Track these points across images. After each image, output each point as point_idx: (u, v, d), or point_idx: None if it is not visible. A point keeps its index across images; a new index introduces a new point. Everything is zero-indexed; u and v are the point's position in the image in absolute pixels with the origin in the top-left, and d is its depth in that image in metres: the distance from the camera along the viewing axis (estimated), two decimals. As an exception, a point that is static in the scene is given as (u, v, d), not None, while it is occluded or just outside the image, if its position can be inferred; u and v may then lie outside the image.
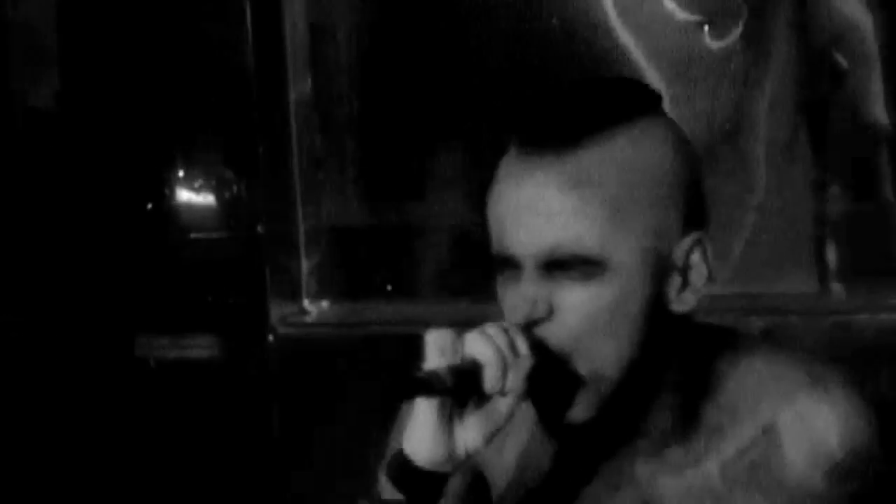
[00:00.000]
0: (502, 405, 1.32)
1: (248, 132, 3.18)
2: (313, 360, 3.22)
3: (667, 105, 1.44)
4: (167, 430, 3.06)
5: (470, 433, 1.32)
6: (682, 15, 2.95)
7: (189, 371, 3.17)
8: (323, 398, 3.04)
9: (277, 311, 3.29)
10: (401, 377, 1.30)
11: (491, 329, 1.33)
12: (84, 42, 3.24)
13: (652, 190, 1.34)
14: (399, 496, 1.35)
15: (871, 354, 2.75)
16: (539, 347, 1.34)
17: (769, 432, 1.36)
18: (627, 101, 1.37)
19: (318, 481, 2.89)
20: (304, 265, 3.31)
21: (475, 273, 1.51)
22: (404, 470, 1.34)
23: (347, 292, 3.32)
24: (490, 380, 1.29)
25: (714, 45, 3.00)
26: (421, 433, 1.33)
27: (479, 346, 1.30)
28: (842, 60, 2.99)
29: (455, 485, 1.47)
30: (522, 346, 1.30)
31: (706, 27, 3.03)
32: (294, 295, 3.35)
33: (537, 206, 1.31)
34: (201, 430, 3.07)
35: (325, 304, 3.35)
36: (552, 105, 1.39)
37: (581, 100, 1.38)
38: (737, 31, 2.97)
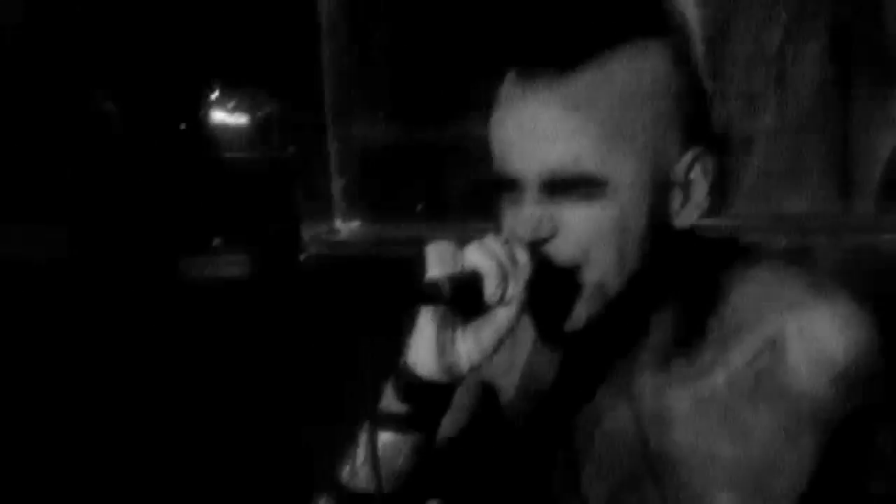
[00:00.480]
0: (503, 315, 1.32)
1: (282, 53, 3.19)
2: (344, 279, 3.24)
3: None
4: (202, 346, 3.09)
5: (472, 344, 1.32)
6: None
7: (222, 289, 3.22)
8: (352, 316, 3.06)
9: (309, 230, 3.33)
10: (401, 288, 1.29)
11: (491, 240, 1.33)
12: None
13: (651, 109, 1.34)
14: (403, 409, 1.35)
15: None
16: (543, 262, 1.34)
17: (774, 343, 1.36)
18: (624, 22, 1.36)
19: (347, 396, 2.90)
20: (336, 185, 3.33)
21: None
22: (408, 381, 1.34)
23: (378, 212, 3.33)
24: (490, 289, 1.30)
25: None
26: (423, 344, 1.33)
27: (479, 256, 1.30)
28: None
29: (463, 397, 1.48)
30: (522, 256, 1.31)
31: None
32: (326, 215, 3.39)
33: (537, 129, 1.31)
34: (234, 348, 3.10)
35: (356, 223, 3.37)
36: (549, 28, 1.39)
37: (578, 22, 1.37)
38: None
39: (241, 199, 3.24)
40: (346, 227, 3.33)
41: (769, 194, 2.86)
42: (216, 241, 3.22)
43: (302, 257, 3.27)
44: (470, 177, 3.18)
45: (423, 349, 1.34)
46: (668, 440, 1.42)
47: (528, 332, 1.47)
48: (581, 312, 1.36)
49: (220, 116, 3.29)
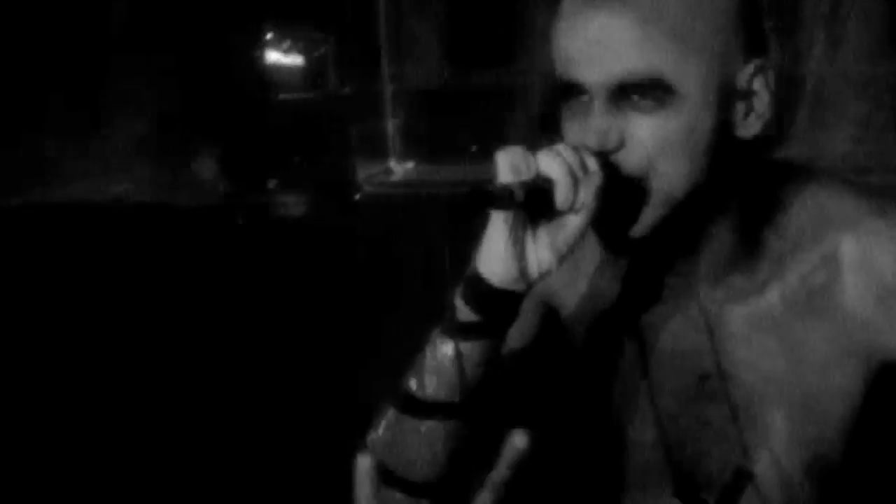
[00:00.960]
0: (574, 222, 1.32)
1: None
2: (399, 219, 3.26)
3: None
4: (263, 283, 3.12)
5: (542, 251, 1.32)
6: None
7: (280, 227, 3.26)
8: (406, 256, 3.08)
9: (364, 170, 3.34)
10: (474, 190, 1.27)
11: (562, 147, 1.33)
12: None
13: (714, 20, 1.34)
14: (474, 317, 1.35)
15: None
16: (611, 170, 1.34)
17: (830, 260, 1.37)
18: None
19: (402, 334, 2.92)
20: (390, 126, 3.34)
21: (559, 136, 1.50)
22: (479, 289, 1.33)
23: (433, 153, 3.34)
24: (561, 195, 1.29)
25: None
26: (495, 251, 1.33)
27: (551, 162, 1.30)
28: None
29: (527, 312, 1.48)
30: (593, 163, 1.30)
31: None
32: (380, 155, 3.40)
33: (607, 37, 1.31)
34: (294, 285, 3.12)
35: (410, 164, 3.38)
36: None
37: None
38: None
39: (297, 140, 3.27)
40: (401, 168, 3.35)
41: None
42: (272, 183, 3.25)
43: (357, 197, 3.29)
44: (525, 119, 3.20)
45: (494, 256, 1.33)
46: (725, 356, 1.43)
47: (590, 247, 1.47)
48: (646, 220, 1.36)
49: (274, 57, 3.30)
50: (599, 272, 1.55)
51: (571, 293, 1.56)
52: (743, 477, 1.42)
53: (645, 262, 1.48)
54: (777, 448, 1.42)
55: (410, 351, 1.46)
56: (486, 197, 1.25)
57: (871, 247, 1.35)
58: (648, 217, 1.37)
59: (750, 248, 1.42)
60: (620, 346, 1.53)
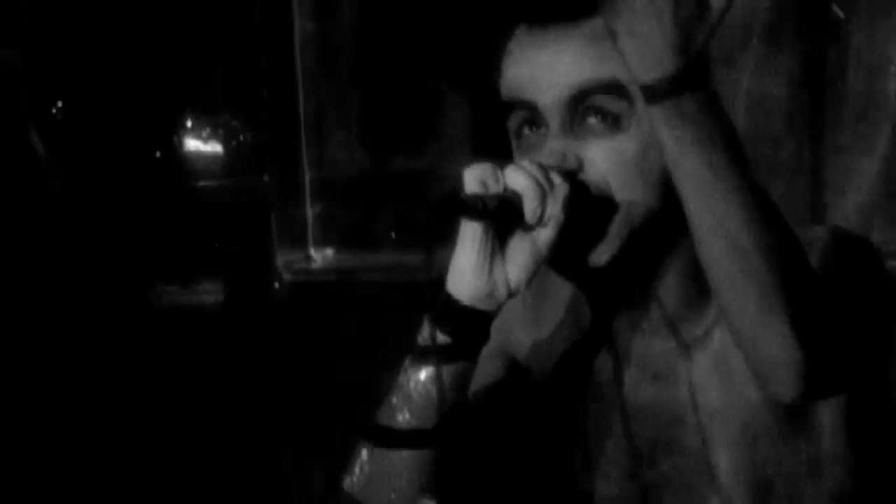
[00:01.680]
0: (543, 236, 1.31)
1: (255, 82, 3.22)
2: (319, 307, 3.26)
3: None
4: (177, 375, 3.11)
5: (512, 267, 1.32)
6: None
7: (197, 316, 3.23)
8: (327, 343, 3.10)
9: (283, 257, 3.35)
10: (447, 196, 1.28)
11: (527, 163, 1.33)
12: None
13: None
14: (445, 339, 1.33)
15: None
16: (575, 185, 1.33)
17: None
18: None
19: (323, 419, 2.94)
20: (310, 213, 3.35)
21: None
22: (449, 309, 1.33)
23: (352, 240, 3.35)
24: (530, 207, 1.29)
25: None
26: (464, 268, 1.32)
27: (518, 176, 1.30)
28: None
29: (489, 367, 1.47)
30: (557, 178, 1.31)
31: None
32: (300, 242, 3.40)
33: (561, 60, 1.33)
34: (210, 376, 3.11)
35: (329, 251, 3.40)
36: None
37: None
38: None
39: (215, 227, 3.26)
40: (320, 255, 3.36)
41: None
42: (189, 272, 3.24)
43: (276, 285, 3.29)
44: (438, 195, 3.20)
45: (464, 273, 1.33)
46: (681, 402, 1.45)
47: (550, 285, 1.48)
48: (606, 246, 1.36)
49: (193, 144, 3.31)
50: (559, 311, 1.56)
51: (530, 332, 1.56)
52: None
53: (601, 299, 1.48)
54: (726, 488, 1.43)
55: (342, 436, 1.45)
56: (458, 204, 1.25)
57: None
58: (609, 244, 1.37)
59: (699, 290, 1.41)
60: (575, 395, 1.53)
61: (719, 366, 1.43)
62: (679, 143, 1.23)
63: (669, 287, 1.43)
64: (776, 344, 1.22)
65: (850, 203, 2.96)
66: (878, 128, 3.07)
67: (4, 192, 2.99)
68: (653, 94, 1.23)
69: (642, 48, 1.23)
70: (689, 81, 1.22)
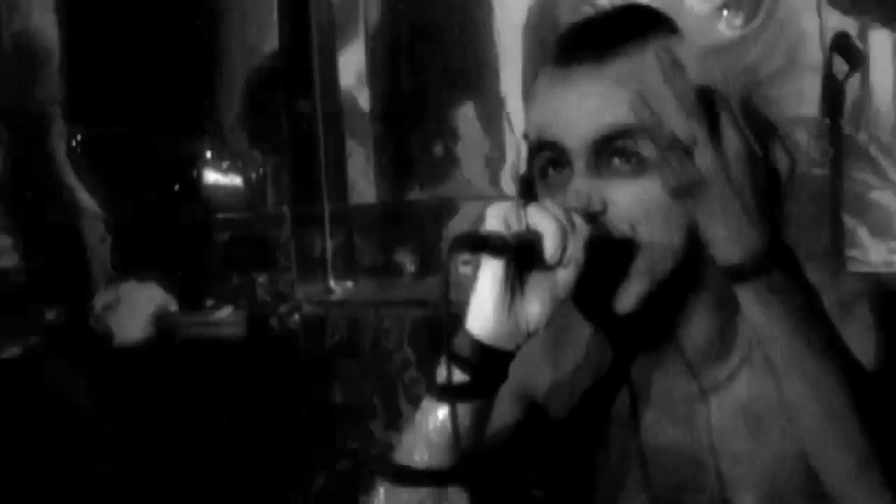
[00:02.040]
0: (563, 276, 1.31)
1: (276, 115, 3.25)
2: (339, 337, 3.29)
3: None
4: (198, 405, 3.14)
5: (532, 307, 1.31)
6: (701, 7, 3.05)
7: (217, 346, 3.25)
8: (348, 373, 3.13)
9: (303, 289, 3.37)
10: (469, 233, 1.29)
11: (550, 203, 1.33)
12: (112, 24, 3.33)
13: (688, 90, 1.34)
14: (464, 378, 1.32)
15: None
16: (597, 228, 1.34)
17: None
18: (650, 17, 1.43)
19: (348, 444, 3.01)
20: (329, 244, 3.37)
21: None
22: (469, 348, 1.33)
23: (372, 271, 3.37)
24: (550, 247, 1.29)
25: (729, 32, 3.08)
26: (485, 307, 1.32)
27: (540, 216, 1.30)
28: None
29: (507, 407, 1.48)
30: (579, 219, 1.31)
31: (724, 13, 3.10)
32: (320, 273, 3.43)
33: (588, 102, 1.34)
34: (229, 404, 3.14)
35: (349, 283, 3.41)
36: (589, 24, 1.45)
37: (621, 14, 1.45)
38: (756, 20, 3.04)
39: (236, 259, 3.29)
40: (340, 286, 3.38)
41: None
42: (209, 302, 3.26)
43: (296, 316, 3.31)
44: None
45: (484, 312, 1.33)
46: (700, 446, 1.45)
47: (571, 324, 1.49)
48: (632, 293, 1.37)
49: (213, 177, 3.35)
50: (582, 356, 1.56)
51: (549, 378, 1.57)
52: None
53: (626, 346, 1.49)
54: None
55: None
56: (480, 241, 1.25)
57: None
58: (634, 290, 1.37)
59: (724, 334, 1.42)
60: (597, 437, 1.53)
61: (745, 412, 1.43)
62: (771, 319, 1.26)
63: (691, 331, 1.44)
64: (872, 501, 1.27)
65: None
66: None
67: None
68: (742, 274, 1.26)
69: (727, 230, 1.26)
70: (775, 256, 1.25)
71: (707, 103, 1.29)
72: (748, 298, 1.27)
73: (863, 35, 3.10)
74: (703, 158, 1.25)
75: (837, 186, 2.94)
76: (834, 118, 3.04)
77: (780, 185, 1.29)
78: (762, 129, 1.35)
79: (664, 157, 1.30)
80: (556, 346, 1.55)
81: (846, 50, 3.03)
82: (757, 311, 1.25)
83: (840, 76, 3.03)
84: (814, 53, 3.17)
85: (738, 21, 3.12)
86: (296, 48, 3.33)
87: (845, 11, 3.13)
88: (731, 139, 1.26)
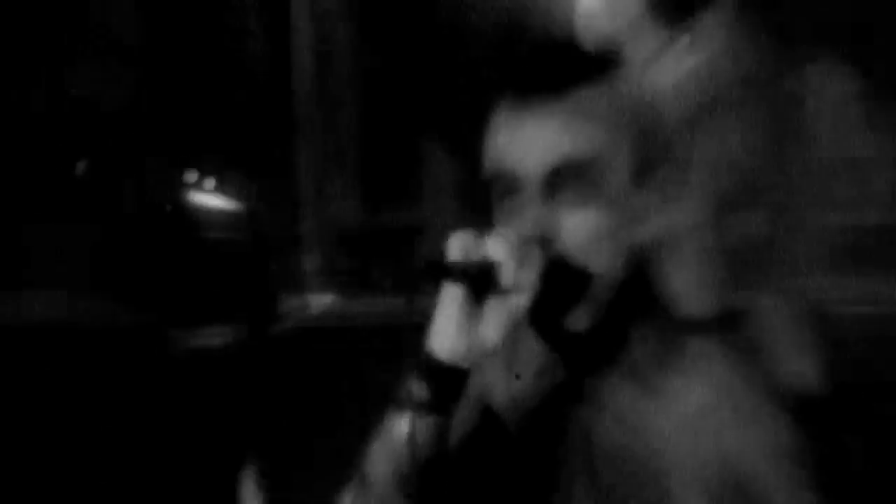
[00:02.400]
0: (517, 301, 1.42)
1: (257, 140, 3.35)
2: (317, 350, 3.40)
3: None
4: (191, 409, 3.13)
5: (488, 328, 1.35)
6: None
7: (206, 358, 3.37)
8: (326, 383, 3.22)
9: (284, 304, 3.48)
10: (433, 261, 1.32)
11: (506, 233, 1.42)
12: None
13: (635, 124, 1.43)
14: (425, 394, 1.40)
15: None
16: (550, 255, 1.41)
17: None
18: (610, 56, 1.49)
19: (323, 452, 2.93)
20: (309, 263, 3.46)
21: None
22: (429, 365, 1.41)
23: (349, 288, 3.44)
24: (506, 277, 1.37)
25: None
26: (445, 327, 1.38)
27: (496, 247, 1.37)
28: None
29: (466, 414, 1.52)
30: (534, 247, 1.39)
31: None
32: (299, 289, 3.55)
33: (542, 135, 1.40)
34: (215, 412, 3.16)
35: (327, 298, 3.50)
36: (547, 61, 1.50)
37: (571, 55, 1.50)
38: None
39: (219, 276, 3.41)
40: (319, 301, 3.47)
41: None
42: (195, 317, 3.35)
43: (277, 328, 3.40)
44: (437, 253, 3.30)
45: (444, 332, 1.37)
46: (648, 450, 1.48)
47: (525, 337, 1.54)
48: (584, 313, 1.44)
49: (198, 198, 3.44)
50: (538, 367, 1.59)
51: (507, 384, 1.61)
52: None
53: (575, 357, 1.54)
54: None
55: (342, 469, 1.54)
56: (442, 269, 1.35)
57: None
58: (583, 309, 1.45)
59: (669, 349, 1.47)
60: (547, 440, 1.57)
61: (688, 419, 1.48)
62: (715, 366, 1.34)
63: (642, 343, 1.49)
64: None
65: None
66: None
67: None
68: (701, 327, 1.35)
69: (691, 283, 1.34)
70: (737, 318, 1.35)
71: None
72: (703, 351, 1.35)
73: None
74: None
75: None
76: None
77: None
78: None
79: (612, 189, 1.44)
80: (512, 355, 1.67)
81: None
82: (710, 365, 1.35)
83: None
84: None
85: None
86: (277, 67, 3.45)
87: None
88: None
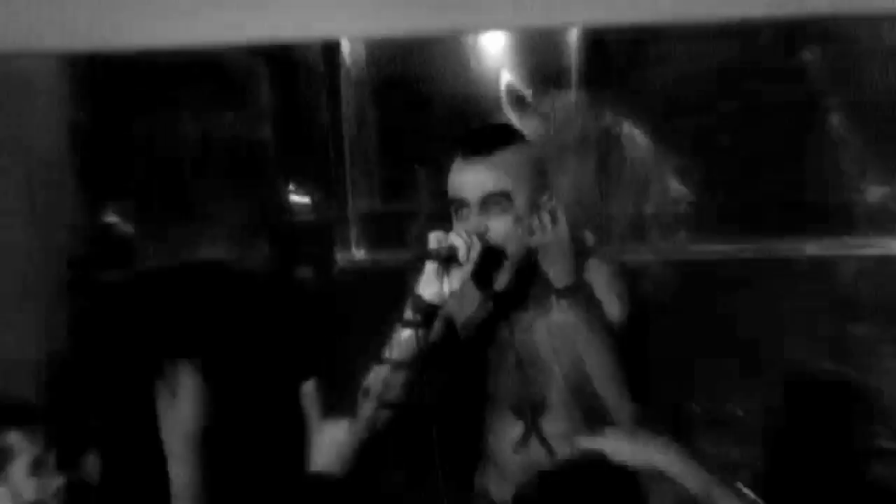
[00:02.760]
0: (466, 269, 2.22)
1: (327, 168, 4.67)
2: (359, 282, 4.49)
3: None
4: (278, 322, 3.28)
5: (452, 282, 2.24)
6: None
7: (295, 285, 4.20)
8: (366, 307, 3.36)
9: (339, 255, 4.60)
10: (422, 252, 2.18)
11: (461, 232, 2.26)
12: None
13: (530, 171, 2.31)
14: (415, 318, 2.26)
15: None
16: (484, 244, 2.25)
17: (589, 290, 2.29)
18: (518, 132, 2.41)
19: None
20: (353, 231, 4.66)
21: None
22: (418, 302, 2.25)
23: (377, 245, 4.65)
24: (461, 256, 2.18)
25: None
26: (428, 281, 2.25)
27: (456, 239, 2.19)
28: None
29: (438, 327, 2.29)
30: (475, 240, 2.23)
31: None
32: (348, 245, 4.65)
33: (479, 179, 2.26)
34: (298, 324, 3.47)
35: (363, 251, 4.74)
36: (481, 133, 2.39)
37: (496, 130, 2.41)
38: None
39: (305, 240, 4.48)
40: (359, 253, 4.65)
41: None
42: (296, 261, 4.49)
43: (335, 271, 4.54)
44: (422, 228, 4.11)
45: (428, 284, 2.26)
46: (536, 342, 2.43)
47: (470, 293, 2.40)
48: (503, 278, 2.34)
49: (294, 198, 4.61)
50: (479, 305, 2.43)
51: (461, 315, 2.49)
52: (541, 402, 2.33)
53: (499, 300, 2.40)
54: (560, 383, 2.41)
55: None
56: (426, 253, 2.23)
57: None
58: (504, 276, 2.28)
59: (543, 292, 2.37)
60: (487, 343, 2.47)
61: (558, 327, 2.36)
62: (572, 313, 2.12)
63: (534, 296, 2.37)
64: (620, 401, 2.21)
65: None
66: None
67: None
68: (562, 293, 2.15)
69: (555, 269, 2.15)
70: (579, 286, 2.17)
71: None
72: (565, 305, 2.21)
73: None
74: (543, 232, 2.15)
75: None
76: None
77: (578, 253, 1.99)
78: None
79: (519, 211, 2.21)
80: (463, 302, 2.46)
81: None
82: (566, 310, 2.22)
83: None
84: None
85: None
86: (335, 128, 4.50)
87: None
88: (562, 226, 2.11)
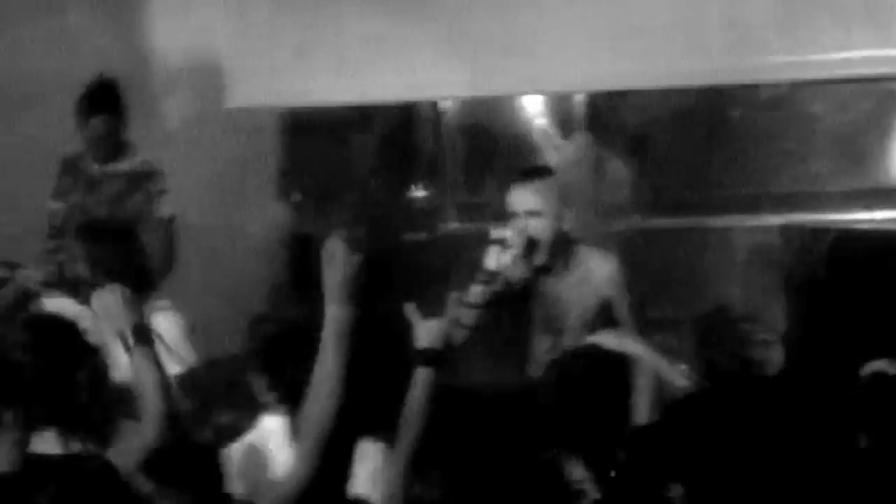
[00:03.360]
0: (515, 251, 3.37)
1: (437, 174, 6.36)
2: (455, 245, 5.72)
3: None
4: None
5: (507, 258, 3.33)
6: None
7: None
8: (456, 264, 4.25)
9: (441, 226, 6.27)
10: (487, 237, 3.34)
11: (513, 227, 3.44)
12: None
13: (556, 193, 3.57)
14: (484, 279, 3.31)
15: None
16: (527, 236, 3.39)
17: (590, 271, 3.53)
18: (548, 168, 3.99)
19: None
20: (450, 213, 6.50)
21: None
22: (485, 270, 3.27)
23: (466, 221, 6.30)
24: (513, 242, 3.32)
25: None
26: (492, 256, 3.33)
27: (509, 231, 3.32)
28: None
29: None
30: (521, 233, 3.35)
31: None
32: (446, 221, 6.47)
33: (524, 198, 3.42)
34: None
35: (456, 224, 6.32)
36: (527, 171, 3.72)
37: (535, 169, 3.82)
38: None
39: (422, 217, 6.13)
40: (454, 226, 6.29)
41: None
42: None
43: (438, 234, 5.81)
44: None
45: (491, 259, 3.33)
46: (558, 298, 3.56)
47: (519, 264, 3.49)
48: (538, 257, 3.39)
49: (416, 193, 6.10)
50: (523, 272, 3.40)
51: (514, 277, 3.45)
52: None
53: (537, 270, 3.46)
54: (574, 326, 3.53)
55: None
56: (491, 240, 3.35)
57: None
58: (539, 256, 3.35)
59: (565, 268, 3.56)
60: (533, 291, 3.51)
61: (576, 284, 3.49)
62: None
63: (556, 269, 3.53)
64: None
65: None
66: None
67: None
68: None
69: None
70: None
71: None
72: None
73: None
74: None
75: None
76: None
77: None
78: None
79: (548, 217, 3.52)
80: (514, 269, 3.39)
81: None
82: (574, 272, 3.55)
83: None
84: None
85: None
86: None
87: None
88: None
